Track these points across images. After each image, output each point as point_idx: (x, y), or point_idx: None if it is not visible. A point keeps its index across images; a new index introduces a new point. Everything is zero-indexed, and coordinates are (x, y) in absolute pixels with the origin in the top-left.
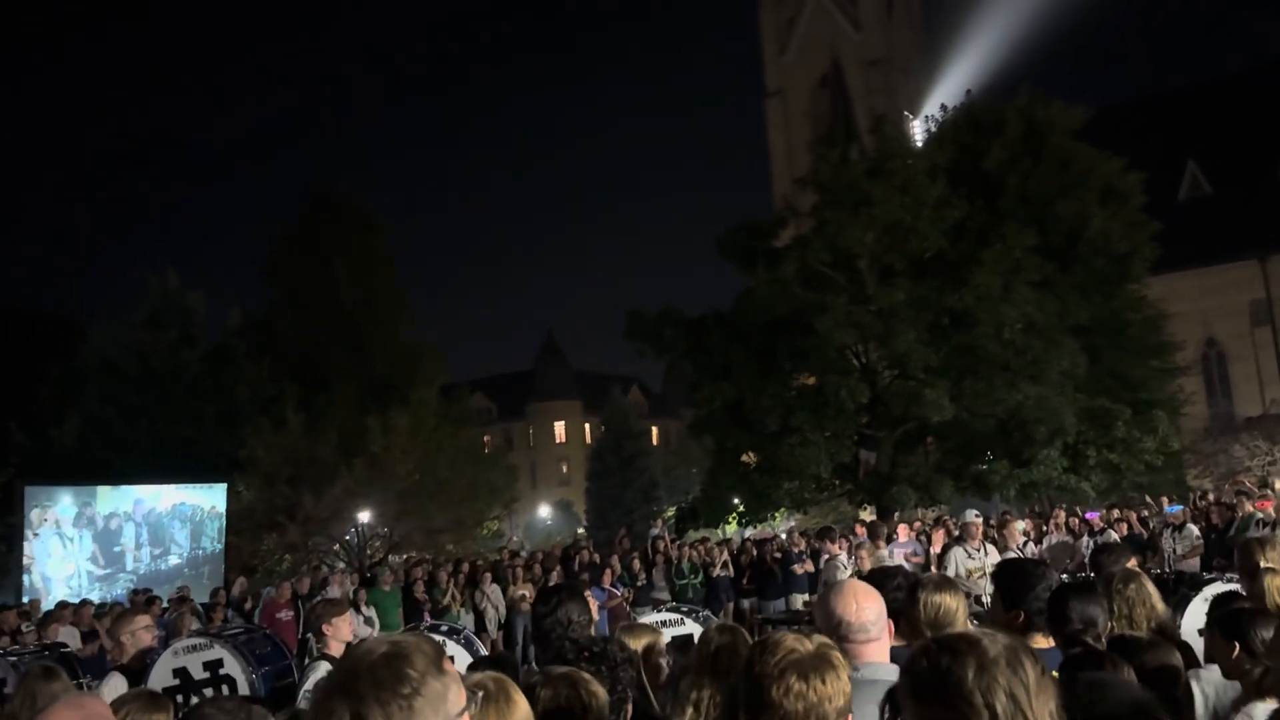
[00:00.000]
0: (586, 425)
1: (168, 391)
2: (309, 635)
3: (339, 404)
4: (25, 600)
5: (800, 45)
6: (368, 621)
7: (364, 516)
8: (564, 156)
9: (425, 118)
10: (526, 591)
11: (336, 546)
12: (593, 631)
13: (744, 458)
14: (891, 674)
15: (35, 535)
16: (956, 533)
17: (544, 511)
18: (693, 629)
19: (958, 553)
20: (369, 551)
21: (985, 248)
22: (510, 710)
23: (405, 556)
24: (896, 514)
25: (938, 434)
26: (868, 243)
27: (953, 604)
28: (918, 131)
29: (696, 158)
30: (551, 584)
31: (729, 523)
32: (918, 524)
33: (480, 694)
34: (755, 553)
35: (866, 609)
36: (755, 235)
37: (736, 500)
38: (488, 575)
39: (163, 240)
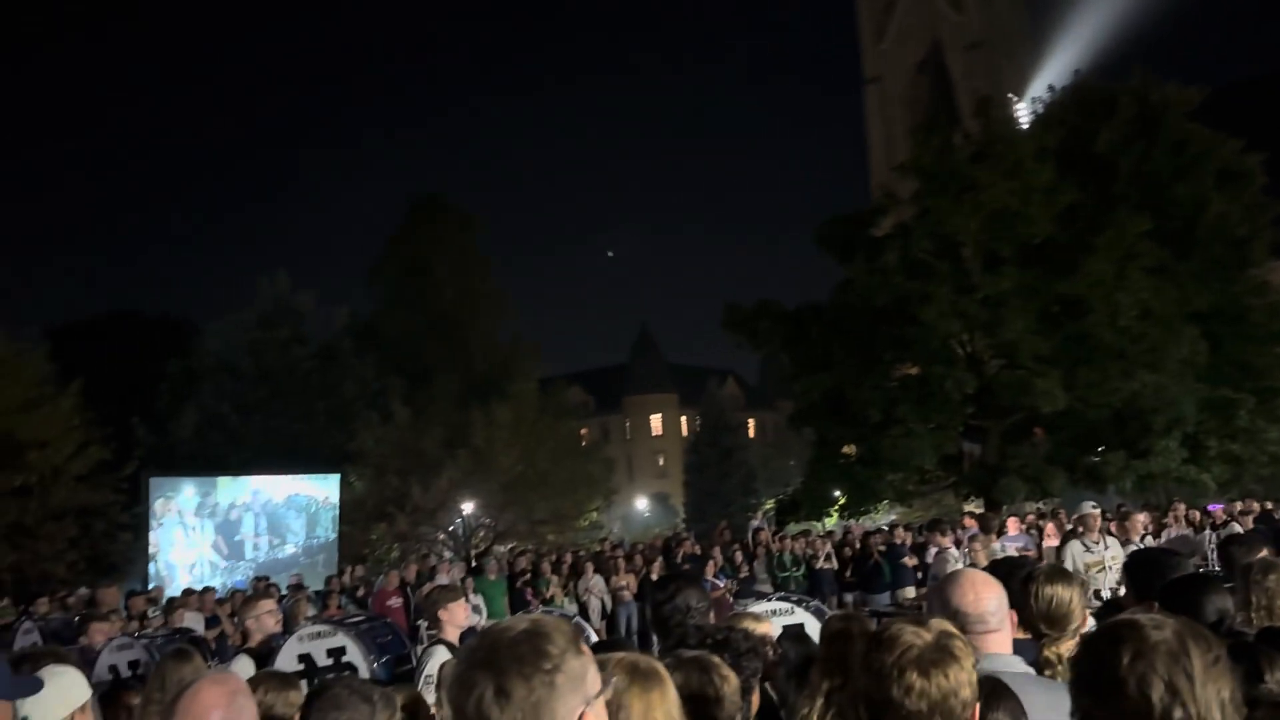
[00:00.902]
0: (683, 418)
1: (280, 388)
2: (420, 622)
3: (442, 398)
4: (151, 586)
5: (899, 30)
6: (475, 610)
7: (468, 507)
8: (658, 146)
9: (515, 110)
10: (629, 583)
11: (442, 536)
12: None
13: (845, 450)
14: (1013, 666)
15: (159, 525)
16: (1070, 526)
17: (641, 504)
18: (803, 618)
19: (1075, 546)
20: (474, 541)
21: (1097, 233)
22: (663, 689)
23: (509, 547)
24: (1005, 507)
25: (1048, 424)
26: (973, 230)
27: (1066, 595)
28: (1023, 115)
29: (792, 148)
30: (653, 575)
31: (829, 515)
32: (1029, 516)
33: (617, 678)
34: (859, 545)
35: (985, 598)
36: (853, 225)
37: (837, 492)
38: (589, 566)
39: (274, 244)
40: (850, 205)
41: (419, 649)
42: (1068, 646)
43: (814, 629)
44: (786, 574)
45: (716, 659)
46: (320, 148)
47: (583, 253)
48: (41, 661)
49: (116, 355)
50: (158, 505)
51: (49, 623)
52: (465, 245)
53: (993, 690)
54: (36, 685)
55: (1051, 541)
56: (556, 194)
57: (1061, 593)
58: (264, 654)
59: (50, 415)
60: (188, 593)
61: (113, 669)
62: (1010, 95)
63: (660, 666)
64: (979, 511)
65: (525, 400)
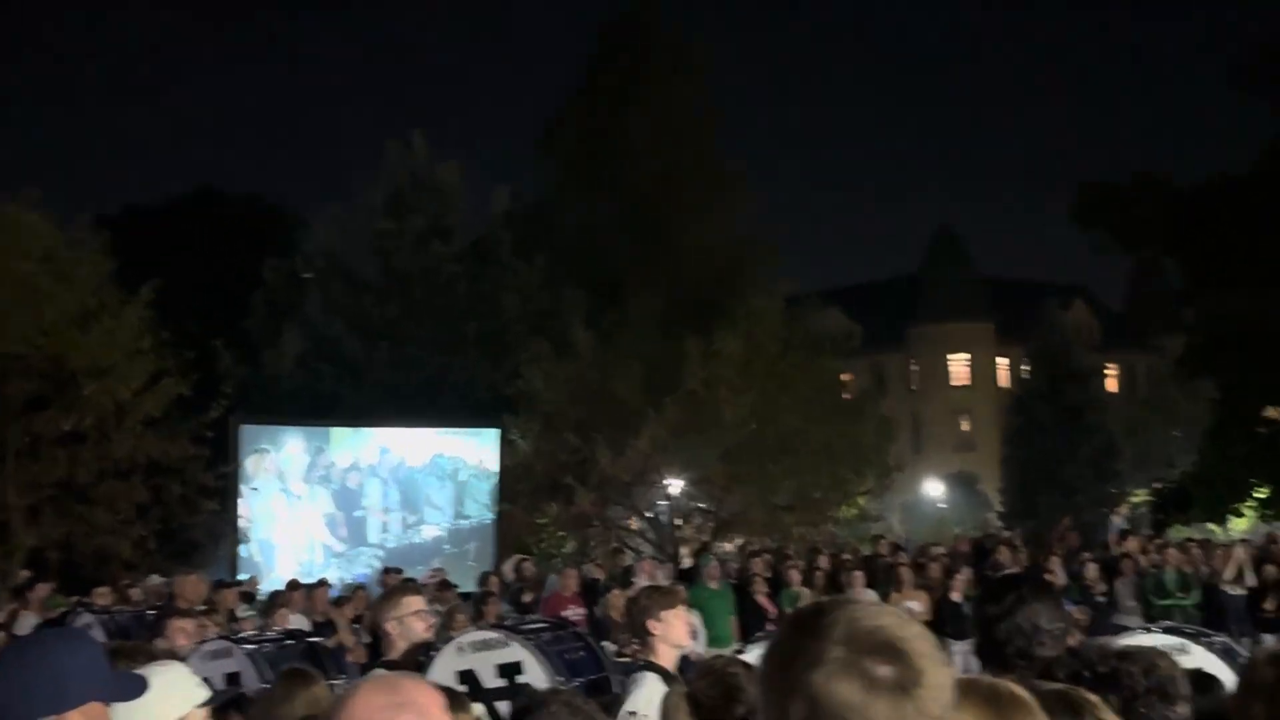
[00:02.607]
0: (1001, 360)
1: (414, 302)
2: (610, 643)
3: (641, 321)
4: (243, 576)
5: None
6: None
7: (678, 483)
8: None
9: None
10: (918, 603)
11: (638, 523)
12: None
13: (1268, 413)
14: None
15: (253, 490)
16: None
17: (933, 488)
18: (1203, 659)
19: None
20: (686, 532)
21: None
22: None
23: (739, 542)
24: None
25: None
26: None
27: None
28: None
29: None
30: (954, 594)
31: (1239, 514)
32: None
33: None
34: None
35: None
36: None
37: (1254, 480)
38: (858, 575)
39: (404, 101)
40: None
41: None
42: None
43: (1221, 675)
44: (1169, 601)
45: (1094, 698)
46: None
47: (847, 118)
48: (136, 657)
49: (195, 253)
50: (250, 463)
51: (113, 617)
52: (681, 95)
53: None
54: (140, 685)
55: None
56: (814, 31)
57: None
58: (410, 670)
59: (111, 333)
60: (293, 586)
61: (204, 683)
62: None
63: (1027, 696)
64: None
65: (763, 327)
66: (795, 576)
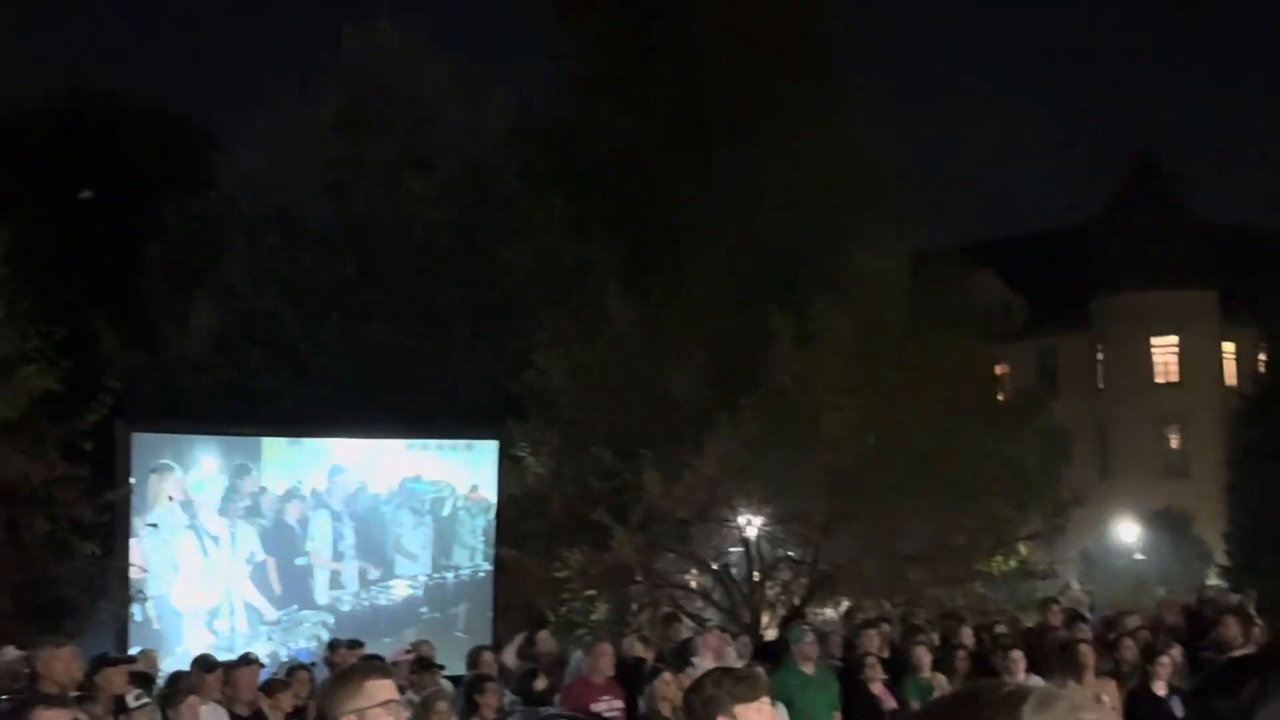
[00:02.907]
0: (1226, 346)
1: (379, 259)
2: None
3: (703, 289)
4: (136, 650)
5: None
6: None
7: (756, 520)
8: None
9: None
10: (1105, 696)
11: (697, 580)
12: None
13: None
14: None
15: (151, 526)
16: None
17: (1126, 531)
18: None
19: None
20: (767, 592)
21: None
22: None
23: (845, 607)
24: None
25: None
26: None
27: None
28: None
29: None
30: (1158, 685)
31: None
32: None
33: None
34: None
35: None
36: None
37: None
38: (1016, 656)
39: None
40: None
41: None
42: None
43: None
44: None
45: None
46: None
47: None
48: None
49: (64, 187)
50: (146, 488)
51: None
52: None
53: None
54: None
55: None
56: None
57: None
58: None
59: None
60: (206, 665)
61: None
62: None
63: None
64: None
65: (883, 298)
66: (925, 657)
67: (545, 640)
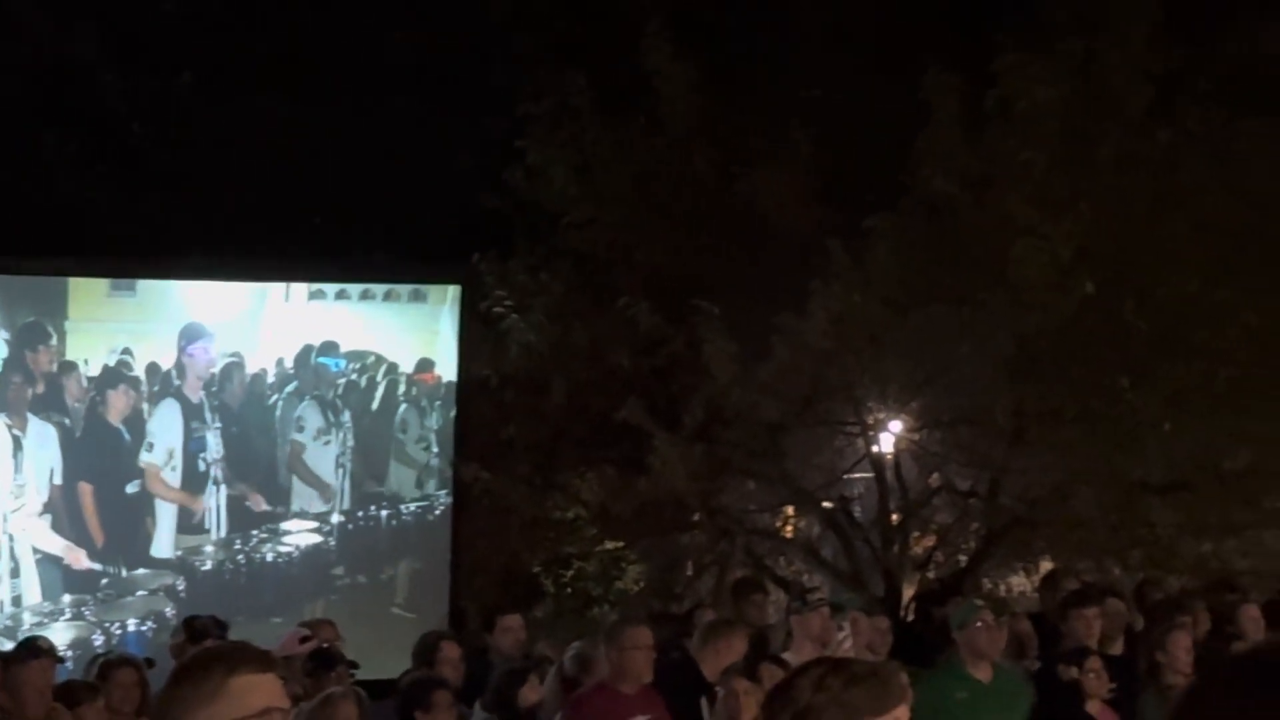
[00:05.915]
0: None
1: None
2: None
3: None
4: None
5: None
6: None
7: (893, 426)
8: None
9: None
10: None
11: (794, 520)
12: None
13: None
14: None
15: None
16: None
17: None
18: None
19: None
20: (916, 546)
21: None
22: None
23: (1045, 569)
24: None
25: None
26: None
27: None
28: None
29: None
30: None
31: None
32: None
33: None
34: None
35: None
36: None
37: None
38: None
39: None
40: None
41: None
42: None
43: None
44: None
45: None
46: None
47: None
48: None
49: None
50: None
51: None
52: None
53: None
54: None
55: None
56: None
57: None
58: None
59: None
60: None
61: None
62: None
63: None
64: None
65: (1120, 39)
66: (1182, 653)
67: (578, 656)
